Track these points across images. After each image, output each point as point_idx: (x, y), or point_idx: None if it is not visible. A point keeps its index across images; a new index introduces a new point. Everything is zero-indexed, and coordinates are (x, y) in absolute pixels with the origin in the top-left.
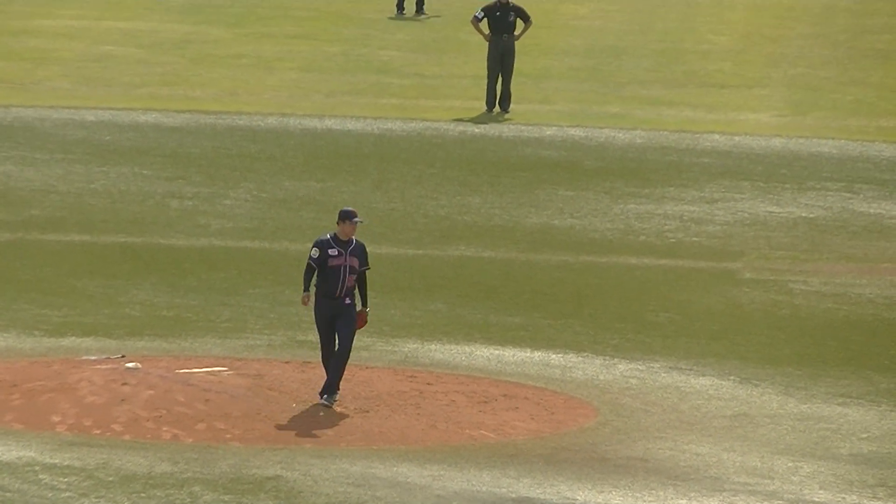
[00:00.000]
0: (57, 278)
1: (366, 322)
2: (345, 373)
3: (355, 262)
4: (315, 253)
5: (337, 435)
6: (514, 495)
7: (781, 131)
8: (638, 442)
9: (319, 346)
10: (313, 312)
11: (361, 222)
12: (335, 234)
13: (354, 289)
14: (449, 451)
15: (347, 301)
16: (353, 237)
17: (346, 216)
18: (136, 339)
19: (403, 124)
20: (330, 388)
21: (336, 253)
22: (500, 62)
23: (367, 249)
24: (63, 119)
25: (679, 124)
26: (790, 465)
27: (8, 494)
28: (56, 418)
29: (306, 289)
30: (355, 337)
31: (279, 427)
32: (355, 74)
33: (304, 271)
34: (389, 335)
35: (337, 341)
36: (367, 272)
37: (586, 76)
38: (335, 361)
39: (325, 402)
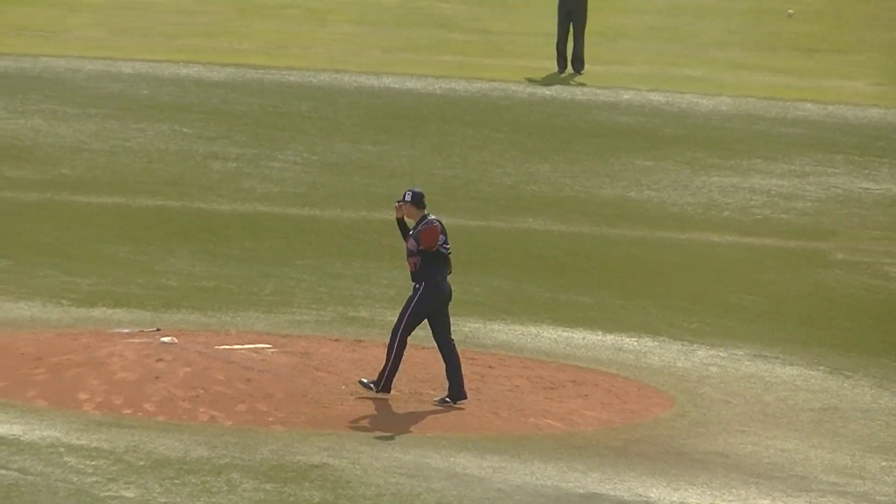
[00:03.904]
0: (86, 244)
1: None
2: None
3: (412, 245)
4: None
5: (389, 421)
6: (581, 490)
7: (878, 101)
8: (718, 436)
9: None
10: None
11: (405, 203)
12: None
13: (423, 275)
14: (511, 441)
15: (417, 286)
16: (429, 216)
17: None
18: (172, 311)
19: (467, 84)
20: (455, 392)
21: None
22: (569, 19)
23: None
24: (97, 71)
25: (767, 91)
26: (883, 464)
27: (30, 478)
28: (83, 396)
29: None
30: (414, 314)
31: (326, 411)
32: (414, 28)
33: None
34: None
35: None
36: (447, 254)
37: (666, 36)
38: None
39: (454, 405)
